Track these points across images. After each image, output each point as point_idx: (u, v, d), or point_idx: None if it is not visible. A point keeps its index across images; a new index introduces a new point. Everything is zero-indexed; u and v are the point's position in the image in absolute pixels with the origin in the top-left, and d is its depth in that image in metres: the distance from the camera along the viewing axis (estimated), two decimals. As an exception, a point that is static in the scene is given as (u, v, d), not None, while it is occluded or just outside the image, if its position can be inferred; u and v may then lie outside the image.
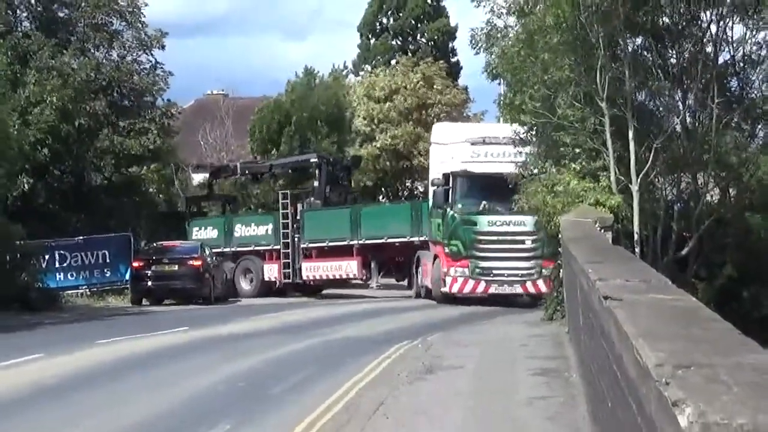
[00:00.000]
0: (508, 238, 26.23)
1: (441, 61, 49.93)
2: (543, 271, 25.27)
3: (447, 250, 27.56)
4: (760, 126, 28.00)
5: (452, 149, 28.23)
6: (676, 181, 27.83)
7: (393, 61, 50.80)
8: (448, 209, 27.44)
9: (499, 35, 27.29)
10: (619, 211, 23.73)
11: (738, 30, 26.77)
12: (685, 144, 26.48)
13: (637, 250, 22.89)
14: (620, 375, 5.33)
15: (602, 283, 7.26)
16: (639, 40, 26.53)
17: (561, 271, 20.22)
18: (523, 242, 26.07)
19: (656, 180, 26.58)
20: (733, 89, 27.56)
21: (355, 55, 55.40)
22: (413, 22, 55.87)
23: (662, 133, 25.51)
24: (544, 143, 28.05)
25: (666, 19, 26.47)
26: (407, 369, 15.15)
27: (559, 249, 20.86)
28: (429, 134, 43.17)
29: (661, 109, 27.33)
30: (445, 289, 27.31)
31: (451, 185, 26.96)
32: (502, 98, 29.52)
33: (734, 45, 27.04)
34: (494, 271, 26.36)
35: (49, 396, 13.56)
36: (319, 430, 11.04)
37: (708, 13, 26.23)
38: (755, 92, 27.64)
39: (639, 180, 24.74)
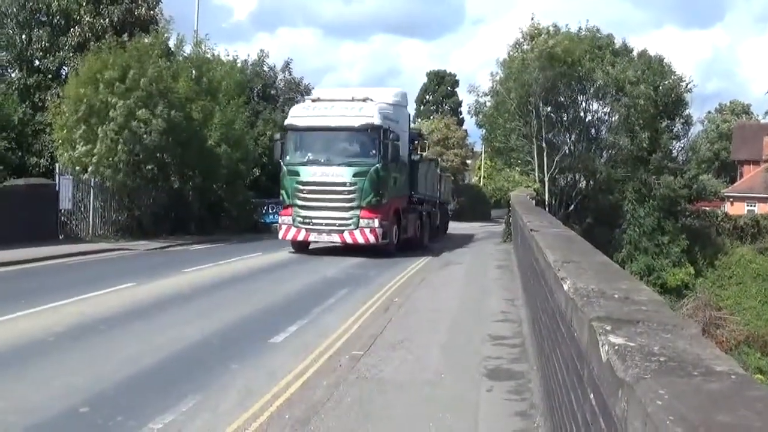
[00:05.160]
0: (327, 188, 15.88)
1: (454, 118, 53.39)
2: (361, 222, 15.87)
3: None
4: (604, 152, 30.41)
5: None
6: (566, 177, 30.25)
7: (432, 117, 53.35)
8: (281, 161, 16.91)
9: (482, 107, 29.76)
10: (538, 190, 25.93)
11: (595, 105, 29.77)
12: (569, 160, 29.20)
13: (546, 209, 23.20)
14: (536, 266, 5.03)
15: (529, 223, 7.29)
16: (549, 108, 28.88)
17: (510, 218, 19.97)
18: (340, 192, 15.88)
19: (556, 176, 29.02)
20: (592, 134, 30.26)
21: (413, 114, 57.38)
22: (441, 98, 60.01)
23: (559, 153, 28.32)
24: (505, 158, 30.94)
25: (561, 98, 29.03)
26: (434, 265, 15.07)
27: (509, 207, 20.01)
28: (451, 152, 43.97)
29: (559, 142, 29.59)
30: (280, 236, 16.82)
31: (285, 139, 16.84)
32: (483, 135, 31.93)
33: (592, 113, 29.99)
34: (314, 220, 16.05)
35: (266, 271, 13.37)
36: (393, 290, 11.22)
37: (581, 96, 29.27)
38: (602, 135, 30.28)
39: (548, 176, 27.80)
